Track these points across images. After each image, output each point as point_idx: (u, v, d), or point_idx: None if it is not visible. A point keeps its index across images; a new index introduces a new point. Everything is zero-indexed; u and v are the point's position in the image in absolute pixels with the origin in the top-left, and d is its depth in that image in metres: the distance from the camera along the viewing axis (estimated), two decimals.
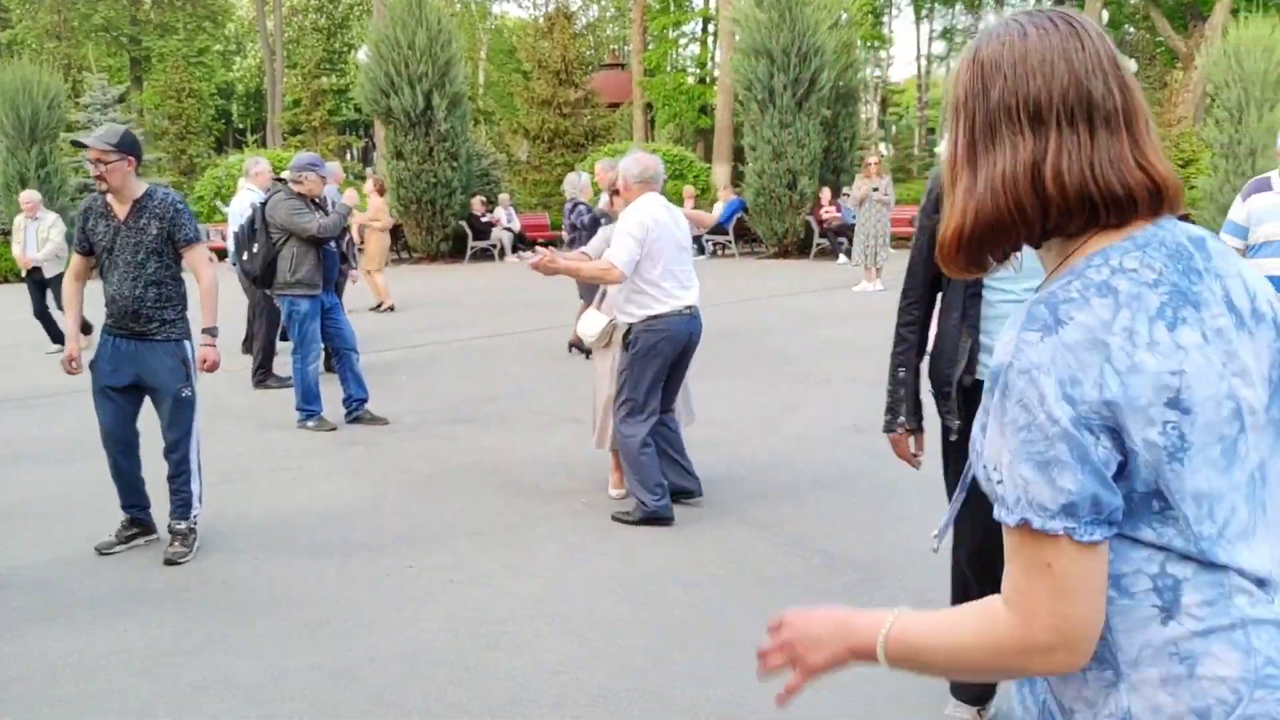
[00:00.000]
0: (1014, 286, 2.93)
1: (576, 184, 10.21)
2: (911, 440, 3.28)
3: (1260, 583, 1.25)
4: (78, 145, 4.88)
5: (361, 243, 13.33)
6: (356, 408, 7.65)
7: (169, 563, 4.79)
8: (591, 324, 5.57)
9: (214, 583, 4.61)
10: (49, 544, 5.12)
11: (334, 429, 7.44)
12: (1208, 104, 18.34)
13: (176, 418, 4.88)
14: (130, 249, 4.78)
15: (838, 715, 3.34)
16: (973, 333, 3.01)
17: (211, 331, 4.96)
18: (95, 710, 3.50)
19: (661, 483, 5.22)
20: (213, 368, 4.97)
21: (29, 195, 11.72)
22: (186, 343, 4.92)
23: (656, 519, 5.20)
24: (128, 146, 4.76)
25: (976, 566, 3.15)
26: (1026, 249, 1.43)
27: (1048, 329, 1.22)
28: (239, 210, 9.44)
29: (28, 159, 20.51)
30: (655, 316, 5.15)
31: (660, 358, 5.19)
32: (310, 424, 7.48)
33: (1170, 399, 1.20)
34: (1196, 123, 23.15)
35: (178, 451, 4.91)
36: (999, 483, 1.25)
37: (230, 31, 49.91)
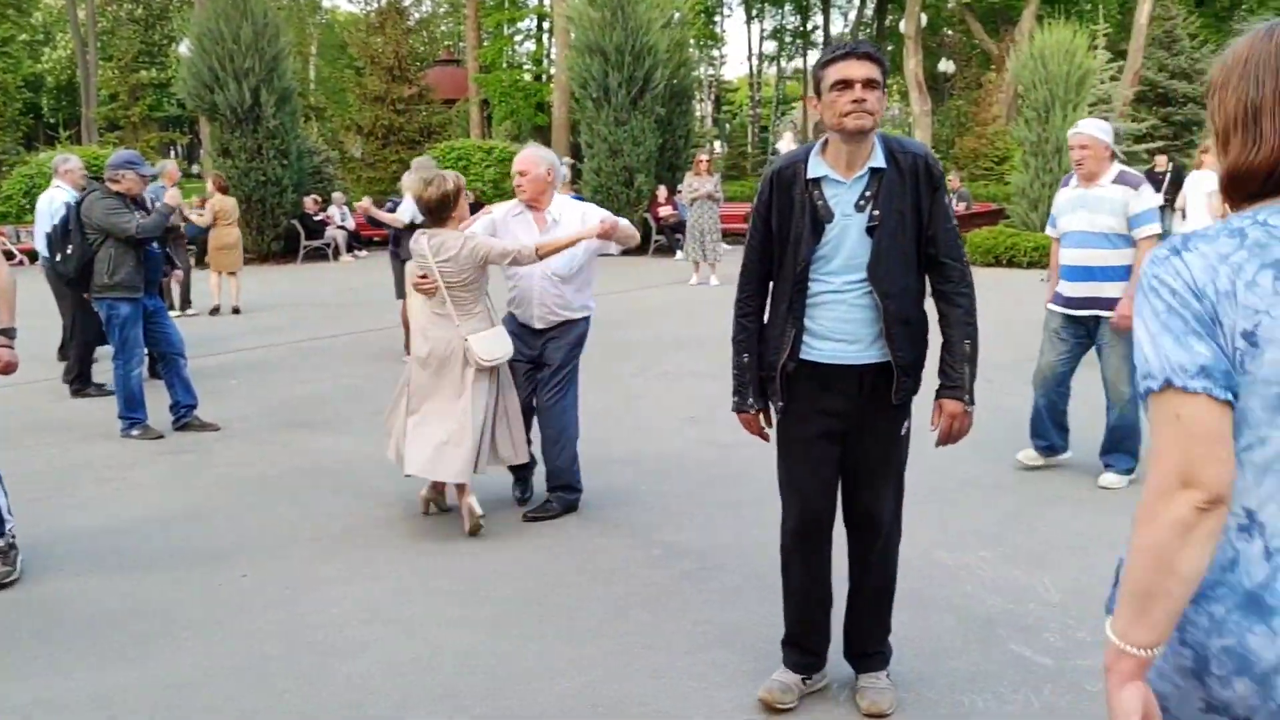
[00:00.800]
0: (835, 279, 3.13)
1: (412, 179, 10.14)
2: (761, 417, 3.44)
3: (1249, 514, 1.48)
4: None
5: (183, 243, 12.91)
6: (185, 414, 7.38)
7: None
8: (501, 345, 5.09)
9: (36, 601, 4.40)
10: None
11: (161, 437, 7.17)
12: (1019, 104, 19.36)
13: None
14: None
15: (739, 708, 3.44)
16: (796, 322, 3.19)
17: (8, 333, 4.60)
18: None
19: None
20: (7, 369, 4.60)
21: None
22: None
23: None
24: None
25: (799, 537, 3.37)
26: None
27: (1175, 251, 1.49)
28: (47, 209, 8.94)
29: None
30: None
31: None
32: (135, 433, 7.19)
33: (1246, 330, 1.43)
34: (1009, 122, 24.40)
35: None
36: (1145, 363, 1.48)
37: (38, 21, 47.16)
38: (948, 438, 3.28)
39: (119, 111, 37.50)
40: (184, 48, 23.22)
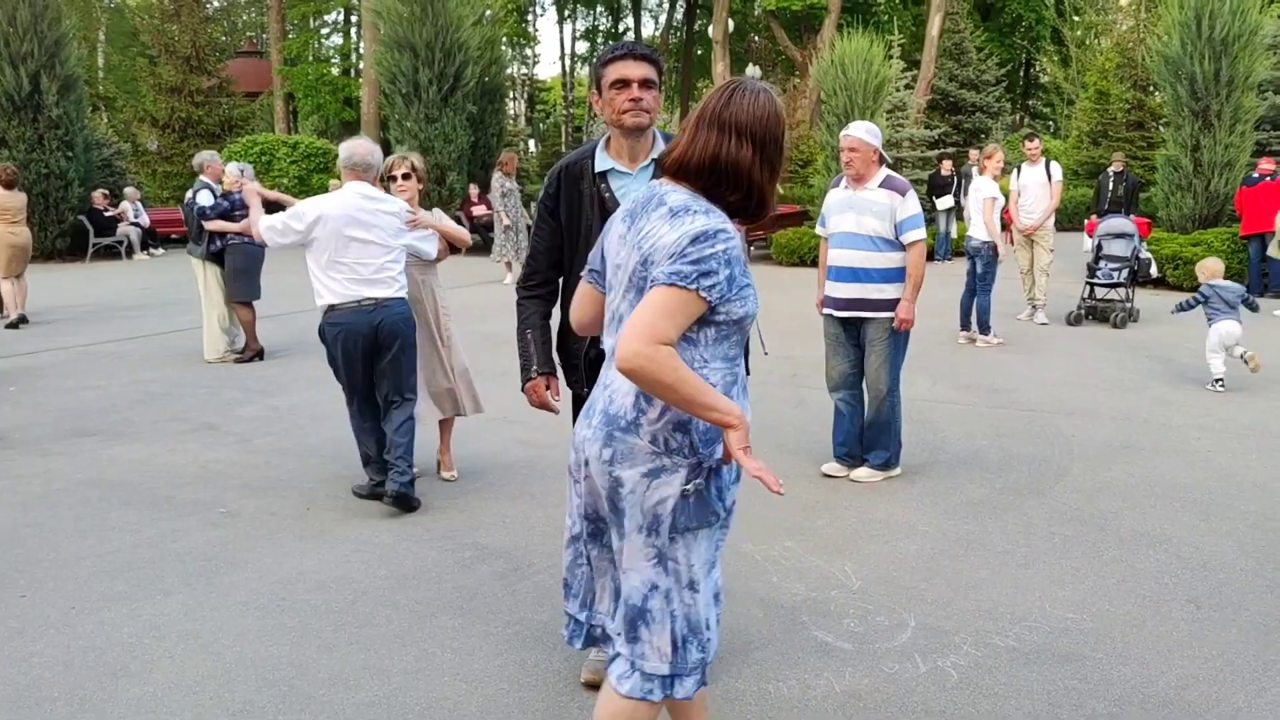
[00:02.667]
0: None
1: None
2: (546, 385, 3.52)
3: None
4: None
5: None
6: None
7: None
8: None
9: None
10: None
11: None
12: (821, 110, 20.06)
13: None
14: None
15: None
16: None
17: None
18: None
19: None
20: None
21: None
22: None
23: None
24: None
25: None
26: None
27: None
28: None
29: None
30: (331, 308, 5.21)
31: (342, 352, 5.20)
32: None
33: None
34: (812, 126, 25.27)
35: None
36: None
37: None
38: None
39: None
40: None
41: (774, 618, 4.04)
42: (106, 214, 20.50)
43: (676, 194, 2.36)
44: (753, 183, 2.36)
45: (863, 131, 5.66)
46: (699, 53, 42.09)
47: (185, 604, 4.20)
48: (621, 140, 3.26)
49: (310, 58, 36.71)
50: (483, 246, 20.26)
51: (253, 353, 9.63)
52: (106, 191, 20.95)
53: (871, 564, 4.58)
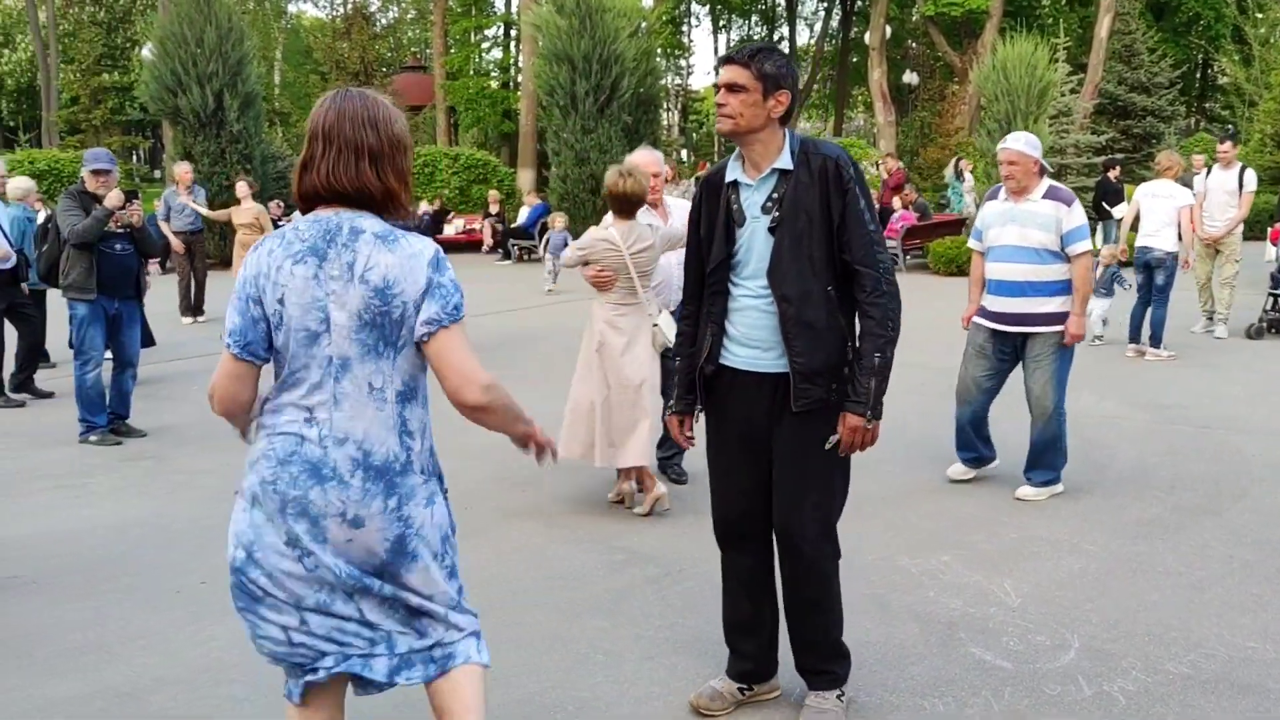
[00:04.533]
0: (750, 284, 3.17)
1: None
2: (682, 423, 3.41)
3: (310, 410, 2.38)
4: None
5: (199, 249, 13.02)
6: (111, 421, 7.27)
7: None
8: (674, 326, 5.03)
9: None
10: None
11: (119, 443, 7.08)
12: (981, 116, 19.55)
13: None
14: None
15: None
16: (715, 325, 3.24)
17: None
18: None
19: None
20: None
21: None
22: None
23: None
24: None
25: (719, 541, 3.40)
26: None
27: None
28: None
29: None
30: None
31: None
32: (93, 438, 7.09)
33: (278, 299, 2.32)
34: (972, 133, 24.63)
35: None
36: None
37: None
38: (849, 450, 3.15)
39: (80, 115, 37.09)
40: (147, 51, 23.01)
41: (930, 633, 3.95)
42: (279, 223, 21.51)
43: (364, 219, 2.34)
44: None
45: (1022, 144, 5.49)
46: (855, 60, 41.55)
47: None
48: (741, 149, 3.17)
49: (471, 72, 37.75)
50: None
51: None
52: (280, 202, 21.98)
53: (1032, 581, 4.43)
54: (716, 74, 3.21)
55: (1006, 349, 5.68)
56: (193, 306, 13.49)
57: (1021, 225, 5.49)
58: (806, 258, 3.05)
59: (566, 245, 6.32)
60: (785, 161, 3.08)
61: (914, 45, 40.37)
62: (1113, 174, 18.03)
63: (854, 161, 3.09)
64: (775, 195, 3.08)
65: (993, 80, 17.17)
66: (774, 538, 3.30)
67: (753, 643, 3.39)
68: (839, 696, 3.30)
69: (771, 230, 3.09)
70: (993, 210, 5.69)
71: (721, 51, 57.26)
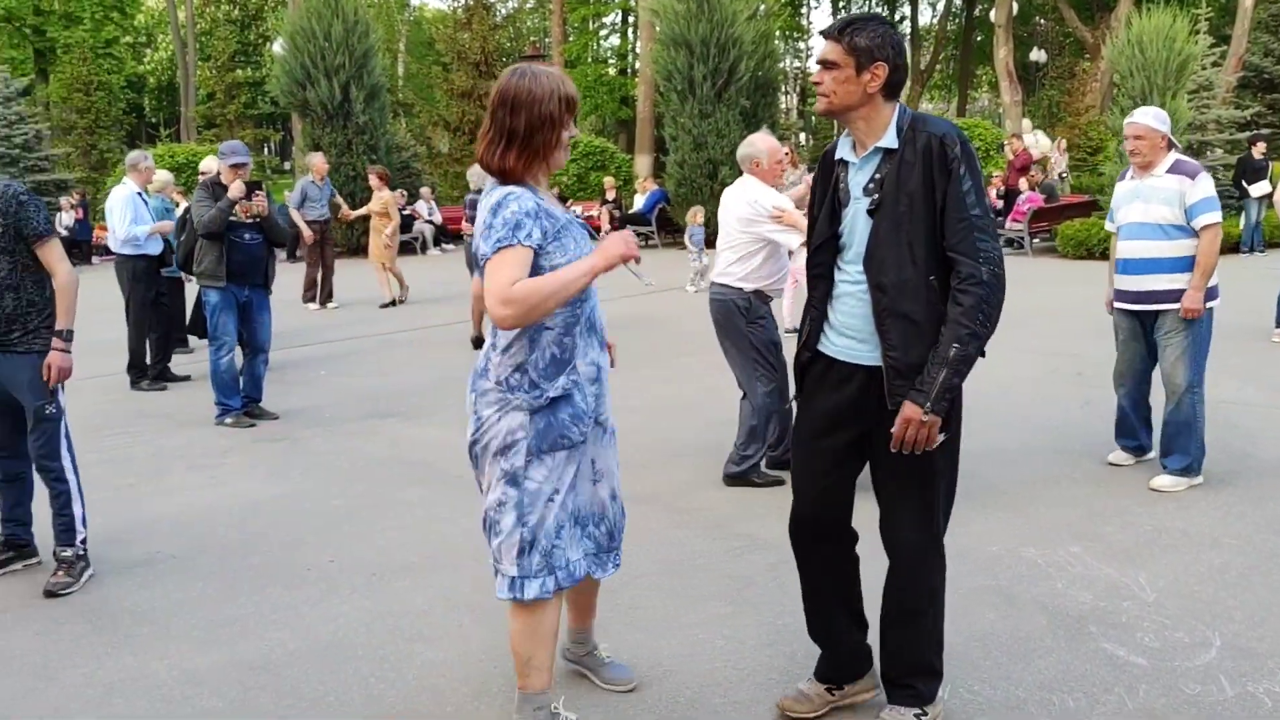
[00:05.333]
0: (851, 269, 2.97)
1: (481, 173, 10.24)
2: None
3: None
4: None
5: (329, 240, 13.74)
6: (244, 404, 7.54)
7: (49, 594, 4.35)
8: None
9: (128, 583, 4.53)
10: None
11: (253, 425, 7.35)
12: (1114, 93, 18.83)
13: (42, 435, 4.43)
14: None
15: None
16: (815, 312, 3.08)
17: (63, 335, 4.39)
18: (5, 713, 3.43)
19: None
20: (61, 376, 4.38)
21: None
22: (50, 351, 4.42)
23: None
24: None
25: (792, 538, 3.27)
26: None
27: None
28: (116, 205, 9.14)
29: None
30: None
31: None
32: (228, 420, 7.37)
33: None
34: (1103, 111, 23.76)
35: (51, 471, 4.47)
36: None
37: (140, 23, 48.64)
38: (899, 445, 2.85)
39: (216, 110, 38.50)
40: (278, 46, 23.77)
41: (1058, 626, 3.82)
42: (403, 212, 21.99)
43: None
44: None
45: (1150, 118, 5.38)
46: (979, 39, 40.47)
47: (474, 578, 4.43)
48: (847, 128, 2.98)
49: (589, 59, 38.01)
50: None
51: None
52: (404, 191, 22.48)
53: (1169, 576, 4.25)
54: None
55: (1145, 328, 5.59)
56: (322, 293, 13.87)
57: (1146, 201, 5.39)
58: (906, 244, 2.82)
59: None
60: (890, 140, 2.86)
61: (1042, 21, 39.12)
62: (1257, 150, 17.18)
63: (963, 140, 2.83)
64: (877, 176, 2.87)
65: (1127, 55, 16.51)
66: (850, 537, 3.19)
67: (834, 643, 3.24)
68: (918, 716, 3.08)
69: (870, 213, 2.88)
70: (1122, 189, 5.60)
71: None
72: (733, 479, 5.63)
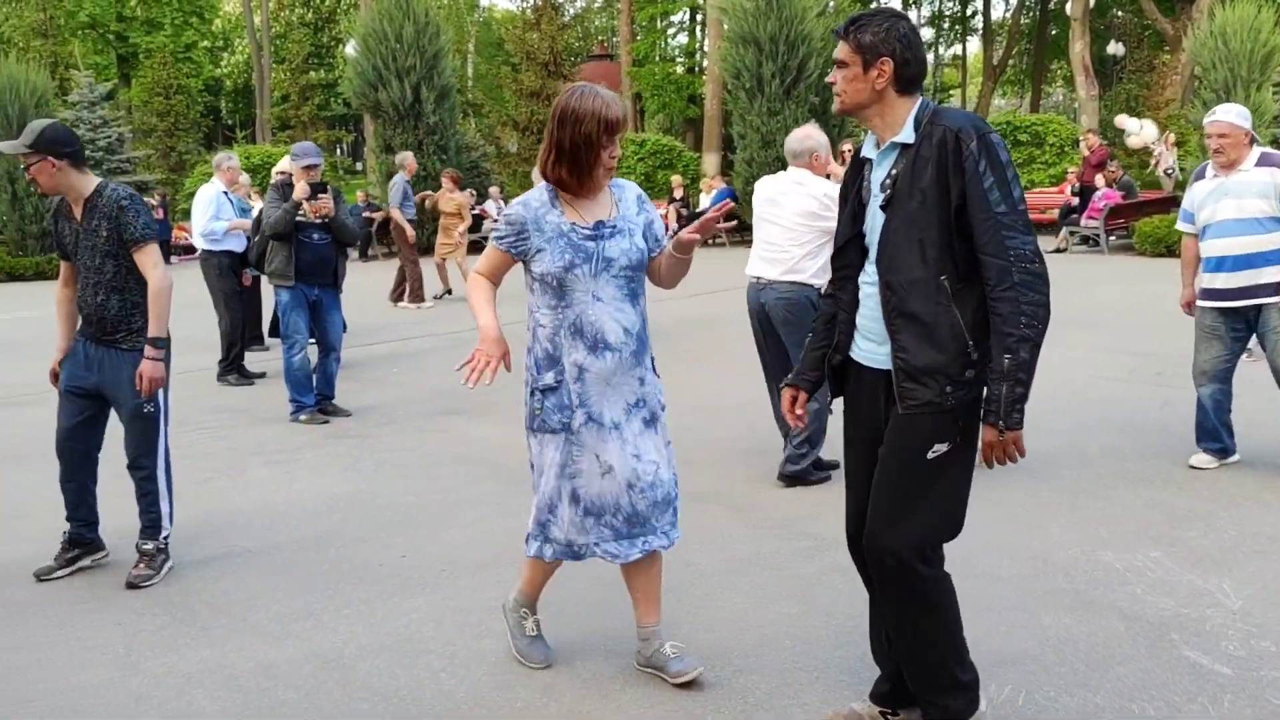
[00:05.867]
0: (871, 269, 2.89)
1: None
2: (795, 398, 3.17)
3: None
4: None
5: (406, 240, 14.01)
6: (318, 402, 7.66)
7: (130, 585, 4.44)
8: None
9: (205, 576, 4.63)
10: (27, 543, 5.13)
11: (326, 422, 7.46)
12: (1195, 86, 18.36)
13: (138, 433, 4.54)
14: (88, 253, 4.44)
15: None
16: (846, 313, 2.99)
17: (155, 343, 4.45)
18: (88, 703, 3.52)
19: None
20: (152, 386, 4.43)
21: None
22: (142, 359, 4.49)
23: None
24: (46, 144, 4.40)
25: (848, 542, 3.13)
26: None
27: None
28: (200, 202, 9.37)
29: (15, 159, 20.44)
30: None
31: (751, 325, 5.71)
32: (302, 417, 7.49)
33: None
34: (1185, 105, 23.19)
35: (141, 469, 4.57)
36: None
37: (217, 27, 49.73)
38: (989, 464, 2.78)
39: (290, 111, 39.20)
40: (350, 48, 24.12)
41: (1138, 633, 3.73)
42: (473, 211, 22.20)
43: None
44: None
45: (1234, 115, 5.35)
46: (1054, 32, 39.70)
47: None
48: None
49: (657, 58, 38.02)
50: None
51: None
52: (474, 191, 22.68)
53: (1256, 583, 4.13)
54: None
55: (1239, 326, 5.52)
56: (416, 292, 14.02)
57: (1237, 197, 5.34)
58: (917, 242, 2.70)
59: None
60: (906, 134, 2.76)
61: (1120, 14, 38.24)
62: None
63: (982, 133, 2.67)
64: (893, 171, 2.77)
65: (1210, 47, 16.12)
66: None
67: (890, 663, 3.08)
68: None
69: (883, 209, 2.79)
70: (1202, 189, 5.50)
71: None
72: (789, 479, 5.58)
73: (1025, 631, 3.77)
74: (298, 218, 7.29)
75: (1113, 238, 17.45)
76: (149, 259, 4.49)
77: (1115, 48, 32.70)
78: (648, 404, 3.41)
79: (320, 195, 7.33)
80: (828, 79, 2.91)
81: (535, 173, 3.66)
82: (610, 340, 3.30)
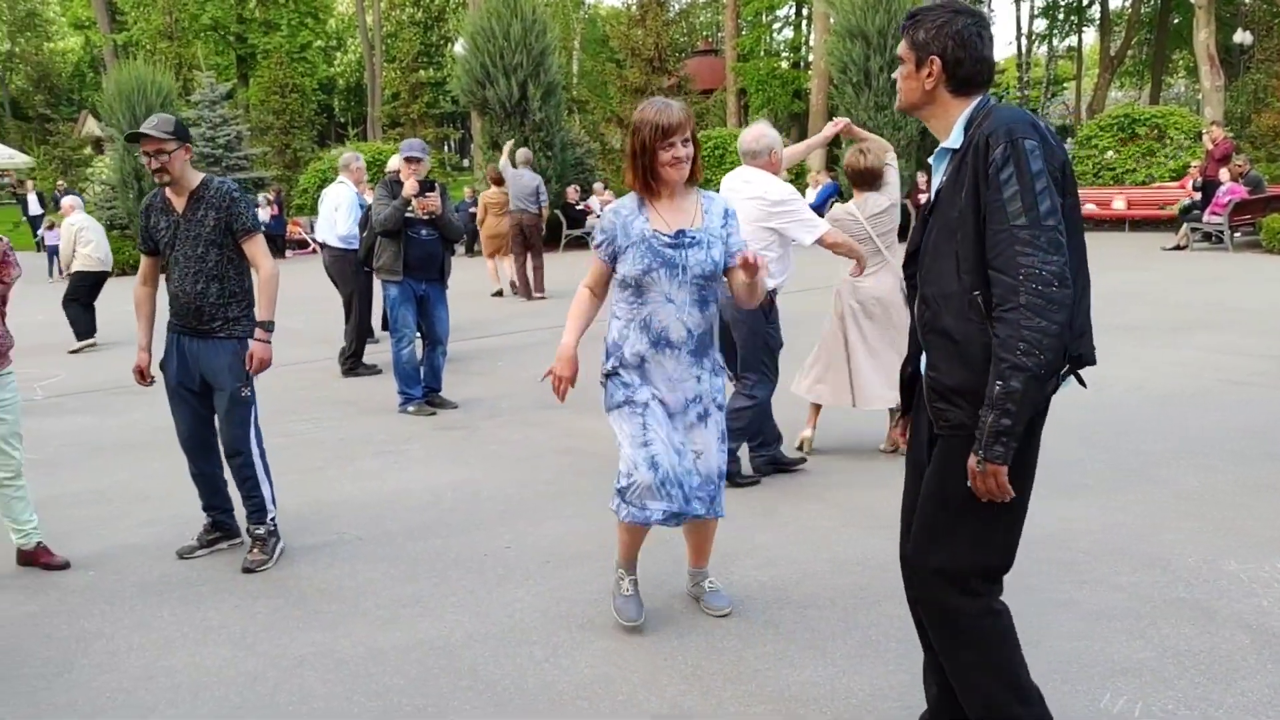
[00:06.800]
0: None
1: None
2: (906, 425, 3.02)
3: None
4: (133, 139, 4.57)
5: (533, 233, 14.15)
6: (424, 394, 7.80)
7: (247, 570, 4.61)
8: None
9: (317, 562, 4.75)
10: (148, 527, 5.33)
11: (433, 414, 7.59)
12: None
13: (235, 418, 4.66)
14: (190, 242, 4.56)
15: None
16: (913, 324, 2.85)
17: (266, 326, 4.61)
18: (207, 680, 3.65)
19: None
20: (261, 366, 4.59)
21: (71, 200, 12.44)
22: (251, 341, 4.63)
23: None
24: (184, 133, 4.56)
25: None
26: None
27: None
28: (329, 203, 9.63)
29: (138, 153, 21.30)
30: None
31: None
32: (410, 409, 7.64)
33: None
34: None
35: (240, 455, 4.70)
36: None
37: (331, 28, 51.01)
38: (978, 496, 2.54)
39: (400, 109, 40.01)
40: (459, 46, 24.50)
41: (1264, 646, 3.58)
42: (577, 207, 22.36)
43: None
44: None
45: None
46: (1176, 21, 38.32)
47: (644, 570, 4.45)
48: None
49: (762, 53, 37.82)
50: None
51: None
52: (578, 187, 22.86)
53: None
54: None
55: None
56: (539, 285, 14.24)
57: None
58: (954, 255, 2.53)
59: None
60: (954, 139, 2.59)
61: (1247, 1, 36.72)
62: None
63: (1015, 136, 2.43)
64: (942, 179, 2.63)
65: None
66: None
67: (933, 691, 2.94)
68: None
69: (927, 217, 2.67)
70: None
71: (1023, 22, 54.07)
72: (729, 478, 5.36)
73: (1143, 641, 3.65)
74: (406, 214, 7.43)
75: (1238, 234, 16.76)
76: (259, 248, 4.68)
77: (1243, 36, 31.39)
78: (702, 400, 3.74)
79: (428, 193, 7.46)
80: (894, 74, 2.78)
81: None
82: (672, 338, 3.68)
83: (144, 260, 4.85)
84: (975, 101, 2.62)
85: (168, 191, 4.65)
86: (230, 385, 4.63)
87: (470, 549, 4.82)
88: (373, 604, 4.25)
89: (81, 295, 11.80)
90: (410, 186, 7.40)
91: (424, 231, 7.57)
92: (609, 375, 3.78)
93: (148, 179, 20.34)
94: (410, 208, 7.42)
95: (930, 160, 2.78)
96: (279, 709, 3.44)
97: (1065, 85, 52.11)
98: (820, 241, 5.35)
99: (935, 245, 2.61)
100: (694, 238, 3.62)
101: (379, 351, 10.00)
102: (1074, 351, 2.53)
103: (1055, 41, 50.72)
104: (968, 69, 2.59)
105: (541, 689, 3.50)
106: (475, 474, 6.06)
